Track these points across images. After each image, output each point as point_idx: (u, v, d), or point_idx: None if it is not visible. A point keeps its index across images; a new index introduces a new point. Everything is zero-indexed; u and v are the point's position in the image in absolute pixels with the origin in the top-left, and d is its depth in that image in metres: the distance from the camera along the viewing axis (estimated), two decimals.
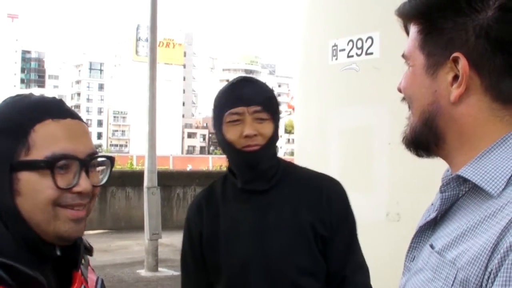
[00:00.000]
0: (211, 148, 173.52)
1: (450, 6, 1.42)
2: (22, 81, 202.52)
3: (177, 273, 13.65)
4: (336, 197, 2.81)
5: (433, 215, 1.49)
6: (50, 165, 1.57)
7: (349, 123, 5.56)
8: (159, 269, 13.94)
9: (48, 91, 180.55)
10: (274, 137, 2.74)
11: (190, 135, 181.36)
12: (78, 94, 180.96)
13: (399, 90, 1.57)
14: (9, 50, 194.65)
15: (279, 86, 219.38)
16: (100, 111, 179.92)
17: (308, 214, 2.75)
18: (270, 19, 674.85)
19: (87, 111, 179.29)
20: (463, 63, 1.39)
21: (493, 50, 1.36)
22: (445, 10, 1.43)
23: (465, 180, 1.40)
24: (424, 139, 1.50)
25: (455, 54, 1.39)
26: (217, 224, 2.87)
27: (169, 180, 20.33)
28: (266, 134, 2.71)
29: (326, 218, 2.75)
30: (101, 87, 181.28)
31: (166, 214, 17.60)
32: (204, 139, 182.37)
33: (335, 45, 5.72)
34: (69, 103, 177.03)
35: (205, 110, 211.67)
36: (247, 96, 2.72)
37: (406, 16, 1.53)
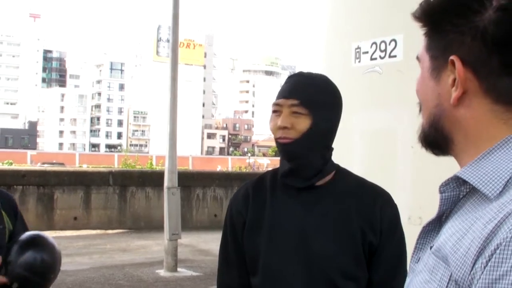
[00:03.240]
0: (231, 149, 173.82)
1: (452, 9, 1.44)
2: (44, 80, 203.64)
3: (196, 273, 13.71)
4: (389, 207, 2.76)
5: (434, 216, 1.50)
6: None
7: (372, 126, 5.55)
8: (178, 269, 13.96)
9: (69, 91, 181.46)
10: (311, 133, 2.68)
11: (210, 136, 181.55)
12: (99, 94, 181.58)
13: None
14: (31, 49, 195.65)
15: None
16: (120, 111, 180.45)
17: (359, 219, 2.72)
18: (291, 20, 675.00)
19: (108, 110, 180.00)
20: (458, 66, 1.39)
21: (489, 52, 1.36)
22: (446, 12, 1.44)
23: (464, 182, 1.40)
24: (434, 140, 1.52)
25: (452, 57, 1.40)
26: (262, 214, 2.83)
27: (189, 181, 20.37)
28: (300, 128, 2.68)
29: (377, 225, 2.71)
30: (121, 87, 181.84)
31: (185, 214, 17.66)
32: (223, 140, 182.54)
33: (358, 48, 5.72)
34: (90, 102, 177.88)
35: (225, 111, 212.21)
36: (289, 90, 2.73)
37: (416, 18, 1.54)
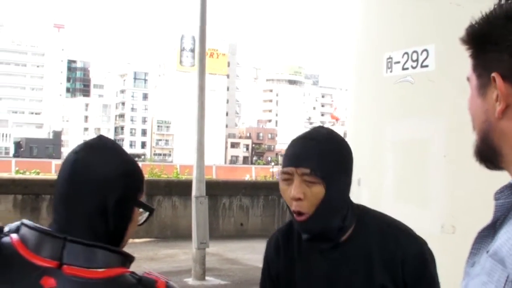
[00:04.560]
0: (254, 158, 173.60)
1: (491, 30, 1.54)
2: (68, 90, 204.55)
3: (224, 282, 13.76)
4: (411, 256, 2.67)
5: (489, 221, 1.56)
6: None
7: (403, 136, 5.58)
8: (207, 278, 14.03)
9: (93, 100, 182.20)
10: (326, 202, 2.61)
11: (234, 145, 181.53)
12: (123, 104, 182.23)
13: None
14: (55, 59, 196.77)
15: (323, 96, 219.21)
16: (144, 121, 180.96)
17: (381, 273, 2.67)
18: (314, 29, 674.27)
19: (132, 120, 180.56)
20: (498, 81, 1.49)
21: None
22: (487, 34, 1.55)
23: None
24: (485, 155, 1.59)
25: (493, 74, 1.50)
26: (293, 270, 2.85)
27: (215, 190, 20.39)
28: (313, 199, 2.61)
29: (399, 278, 2.66)
30: (145, 96, 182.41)
31: (212, 223, 17.66)
32: (247, 149, 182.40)
33: (390, 58, 5.75)
34: (114, 112, 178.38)
35: (249, 120, 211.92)
36: (298, 157, 2.65)
37: (463, 42, 1.63)
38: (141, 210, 2.11)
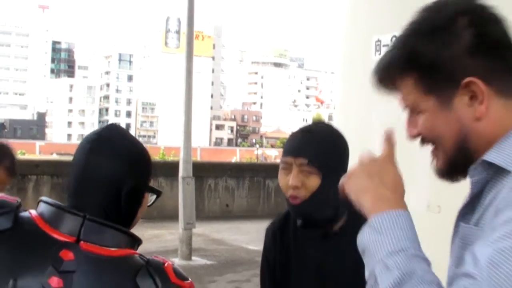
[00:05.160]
0: (239, 140, 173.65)
1: (433, 47, 1.63)
2: (52, 71, 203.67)
3: (210, 262, 13.85)
4: None
5: (468, 199, 1.67)
6: None
7: (391, 117, 5.68)
8: (193, 258, 14.15)
9: (78, 82, 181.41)
10: (320, 191, 2.77)
11: (218, 127, 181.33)
12: (107, 85, 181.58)
13: (415, 136, 1.74)
14: (40, 40, 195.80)
15: (308, 79, 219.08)
16: (129, 102, 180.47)
17: None
18: (300, 12, 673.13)
19: (116, 102, 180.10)
20: (476, 83, 1.57)
21: (491, 58, 1.59)
22: (430, 52, 1.63)
23: (490, 164, 1.57)
24: (460, 164, 1.67)
25: (466, 80, 1.58)
26: (289, 259, 3.01)
27: (201, 171, 20.42)
28: (310, 187, 2.77)
29: None
30: (130, 78, 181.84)
31: (198, 204, 17.68)
32: (232, 131, 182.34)
33: (379, 41, 5.83)
34: (99, 93, 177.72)
35: (234, 102, 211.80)
36: (297, 148, 2.81)
37: (394, 74, 1.71)
38: (150, 194, 2.31)
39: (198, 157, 59.88)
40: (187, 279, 2.11)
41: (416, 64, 1.65)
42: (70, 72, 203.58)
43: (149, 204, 2.33)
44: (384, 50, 6.09)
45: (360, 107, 6.14)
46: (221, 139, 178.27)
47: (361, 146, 6.22)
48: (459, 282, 1.40)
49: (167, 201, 20.15)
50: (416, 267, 1.50)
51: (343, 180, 1.82)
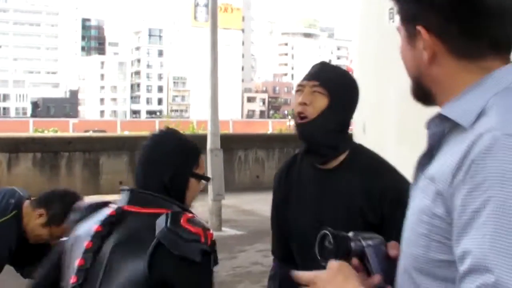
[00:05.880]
0: (271, 112, 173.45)
1: None
2: (83, 48, 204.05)
3: (240, 232, 13.97)
4: (391, 189, 2.94)
5: (425, 150, 1.76)
6: None
7: (405, 81, 5.76)
8: (223, 228, 14.25)
9: (109, 58, 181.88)
10: (327, 112, 2.98)
11: (250, 100, 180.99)
12: (138, 61, 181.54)
13: None
14: (69, 18, 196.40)
15: (338, 49, 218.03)
16: (160, 77, 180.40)
17: (361, 200, 2.96)
18: None
19: (147, 77, 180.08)
20: (423, 33, 1.68)
21: (446, 19, 1.66)
22: None
23: (446, 118, 1.66)
24: (419, 95, 1.82)
25: (418, 27, 1.69)
26: (291, 192, 3.22)
27: (230, 143, 20.44)
28: (317, 106, 2.98)
29: (378, 208, 2.93)
30: (160, 53, 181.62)
31: (228, 176, 17.74)
32: (263, 103, 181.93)
33: (392, 8, 5.90)
34: (129, 69, 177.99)
35: (264, 74, 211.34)
36: (311, 73, 3.07)
37: None
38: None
39: (230, 130, 59.95)
40: (200, 226, 2.65)
41: None
42: (100, 49, 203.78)
43: (200, 189, 3.03)
44: (397, 17, 6.17)
45: (376, 71, 6.24)
46: (253, 111, 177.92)
47: (377, 108, 6.33)
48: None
49: None
50: None
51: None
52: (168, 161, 2.88)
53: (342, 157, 3.07)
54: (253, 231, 13.75)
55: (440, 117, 1.69)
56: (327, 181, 3.07)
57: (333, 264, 1.87)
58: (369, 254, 2.02)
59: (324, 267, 1.89)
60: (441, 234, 1.57)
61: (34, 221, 4.15)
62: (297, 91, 3.09)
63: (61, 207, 4.13)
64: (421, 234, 1.63)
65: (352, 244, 2.02)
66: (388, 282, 1.90)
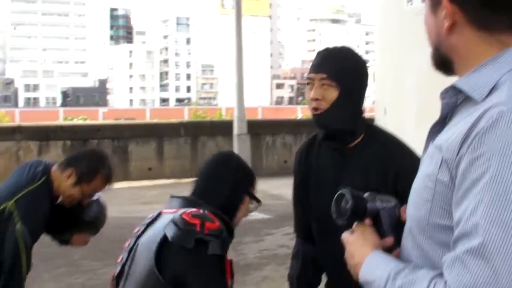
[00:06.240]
0: (300, 98, 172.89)
1: None
2: (111, 38, 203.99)
3: (267, 216, 14.01)
4: (405, 170, 3.00)
5: (438, 119, 1.86)
6: None
7: (423, 64, 5.84)
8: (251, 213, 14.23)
9: (137, 47, 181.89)
10: (339, 103, 3.08)
11: (279, 86, 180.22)
12: (166, 49, 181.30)
13: None
14: (97, 8, 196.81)
15: (366, 34, 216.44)
16: (188, 65, 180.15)
17: (377, 180, 3.07)
18: None
19: (176, 65, 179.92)
20: (445, 2, 1.75)
21: None
22: None
23: (459, 90, 1.75)
24: (439, 62, 1.89)
25: None
26: (310, 172, 3.36)
27: (258, 129, 20.61)
28: (329, 99, 3.08)
29: (392, 188, 2.98)
30: (188, 41, 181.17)
31: (255, 162, 17.81)
32: (292, 89, 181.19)
33: None
34: (158, 58, 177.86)
35: (292, 60, 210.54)
36: (318, 64, 3.14)
37: None
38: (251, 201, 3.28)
39: (259, 117, 59.86)
40: (200, 218, 2.89)
41: None
42: (128, 38, 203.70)
43: (251, 210, 3.34)
44: (415, 0, 6.26)
45: (395, 54, 6.33)
46: (282, 97, 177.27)
47: (397, 91, 6.43)
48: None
49: None
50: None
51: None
52: (232, 176, 3.16)
53: (359, 139, 3.21)
54: (280, 215, 13.82)
55: (454, 89, 1.77)
56: (345, 161, 3.20)
57: (358, 227, 2.07)
58: (383, 216, 2.14)
59: (340, 227, 2.11)
60: (444, 200, 1.68)
61: (65, 182, 4.21)
62: (307, 84, 3.20)
63: (89, 164, 4.25)
64: (425, 198, 1.74)
65: (368, 205, 2.14)
66: (399, 245, 1.98)
